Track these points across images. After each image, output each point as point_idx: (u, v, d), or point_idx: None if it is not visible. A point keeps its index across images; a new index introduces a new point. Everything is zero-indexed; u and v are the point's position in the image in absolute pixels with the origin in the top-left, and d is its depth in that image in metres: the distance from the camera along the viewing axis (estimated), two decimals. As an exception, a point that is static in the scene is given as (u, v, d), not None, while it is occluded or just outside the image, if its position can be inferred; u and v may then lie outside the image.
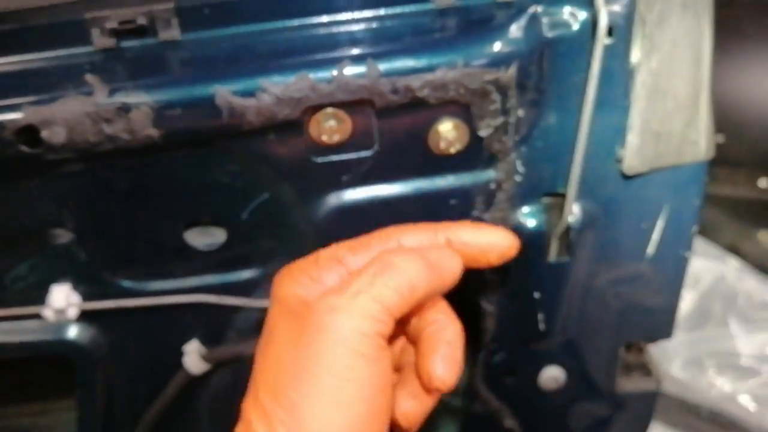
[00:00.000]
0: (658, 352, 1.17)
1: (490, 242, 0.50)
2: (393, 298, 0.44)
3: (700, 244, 1.22)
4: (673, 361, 1.18)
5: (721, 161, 1.23)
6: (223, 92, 0.48)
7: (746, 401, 1.13)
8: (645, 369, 0.69)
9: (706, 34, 0.53)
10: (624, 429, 0.70)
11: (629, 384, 0.68)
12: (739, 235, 1.29)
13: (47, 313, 0.58)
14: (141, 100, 0.47)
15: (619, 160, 0.56)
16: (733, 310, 1.20)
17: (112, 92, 0.47)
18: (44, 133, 0.47)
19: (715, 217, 1.28)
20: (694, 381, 1.17)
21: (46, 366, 0.82)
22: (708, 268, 1.24)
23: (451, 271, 0.48)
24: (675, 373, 1.17)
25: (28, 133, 0.47)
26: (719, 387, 1.16)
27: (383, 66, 0.48)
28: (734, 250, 1.26)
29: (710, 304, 1.22)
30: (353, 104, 0.50)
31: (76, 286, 0.58)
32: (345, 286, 0.45)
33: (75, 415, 0.65)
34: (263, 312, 0.59)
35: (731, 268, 1.22)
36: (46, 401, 0.83)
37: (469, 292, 0.60)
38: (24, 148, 0.48)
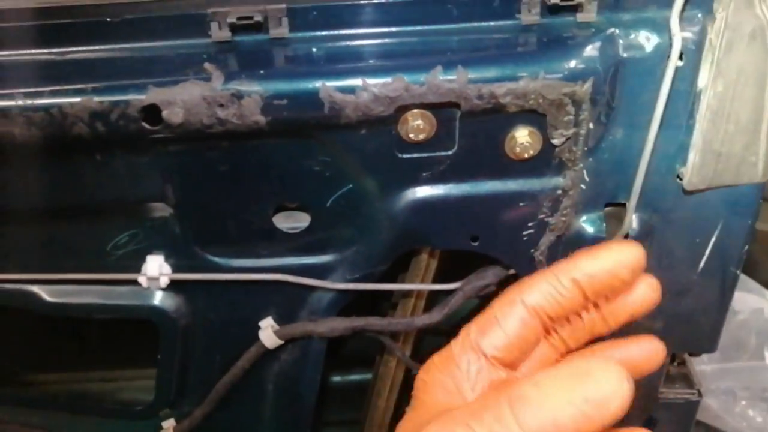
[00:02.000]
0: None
1: (614, 262, 0.46)
2: None
3: (740, 278, 1.24)
4: (707, 389, 1.19)
5: (763, 198, 1.26)
6: (327, 87, 0.53)
7: (778, 435, 1.14)
8: (687, 380, 0.72)
9: (771, 63, 0.57)
10: (665, 436, 0.73)
11: (671, 393, 0.71)
12: (779, 273, 1.31)
13: (141, 280, 0.64)
14: (253, 88, 0.53)
15: (679, 177, 0.60)
16: (768, 344, 1.21)
17: (227, 80, 0.53)
18: (165, 113, 0.53)
19: (755, 252, 1.30)
20: (726, 411, 1.18)
21: (115, 335, 0.88)
22: (746, 300, 1.25)
23: (611, 392, 0.38)
24: (708, 401, 1.19)
25: (151, 111, 0.53)
26: (751, 419, 1.17)
27: (472, 73, 0.53)
28: (773, 287, 1.27)
29: (746, 337, 1.23)
30: (441, 106, 0.55)
31: (168, 258, 0.64)
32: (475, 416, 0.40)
33: (154, 377, 0.71)
34: (335, 293, 0.65)
35: (769, 302, 1.23)
36: (113, 370, 0.88)
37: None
38: (145, 125, 0.53)
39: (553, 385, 0.41)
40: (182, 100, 0.53)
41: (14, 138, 0.53)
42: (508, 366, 0.48)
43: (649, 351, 0.50)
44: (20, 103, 0.52)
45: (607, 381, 0.40)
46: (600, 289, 0.46)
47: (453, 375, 0.47)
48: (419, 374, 0.48)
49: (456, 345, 0.48)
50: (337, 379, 0.89)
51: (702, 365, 1.20)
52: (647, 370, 0.50)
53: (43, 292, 0.65)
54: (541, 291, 0.47)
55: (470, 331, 0.48)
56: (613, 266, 0.46)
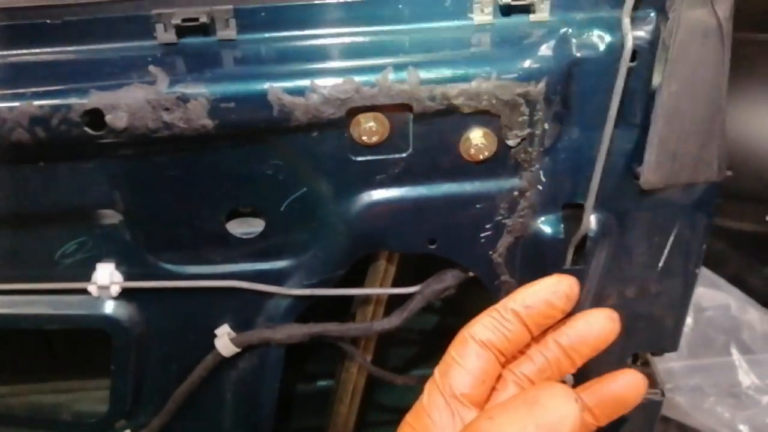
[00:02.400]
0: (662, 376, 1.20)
1: (549, 292, 0.51)
2: None
3: (706, 274, 1.25)
4: (675, 386, 1.20)
5: (730, 195, 1.27)
6: (275, 89, 0.52)
7: (746, 430, 1.15)
8: (650, 379, 0.72)
9: (725, 63, 0.57)
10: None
11: (634, 393, 0.71)
12: (746, 269, 1.32)
13: (91, 289, 0.62)
14: (199, 91, 0.51)
15: (636, 176, 0.59)
16: (735, 341, 1.22)
17: (172, 83, 0.51)
18: (108, 117, 0.51)
19: (722, 249, 1.31)
20: (695, 408, 1.19)
21: (70, 344, 0.86)
22: (713, 297, 1.26)
23: (560, 415, 0.43)
24: (677, 398, 1.19)
25: (93, 116, 0.51)
26: (719, 414, 1.18)
27: (423, 74, 0.52)
28: (739, 282, 1.29)
29: (714, 333, 1.24)
30: (393, 108, 0.54)
31: (119, 266, 0.62)
32: None
33: (108, 388, 0.69)
34: (293, 299, 0.63)
35: (735, 299, 1.24)
36: (70, 379, 0.86)
37: (482, 297, 0.63)
38: (88, 130, 0.52)
39: (505, 416, 0.43)
40: (126, 104, 0.51)
41: (-50, 144, 0.51)
42: (476, 404, 0.49)
43: (628, 384, 0.53)
44: None
45: (555, 405, 0.42)
46: (538, 318, 0.50)
47: (426, 428, 0.48)
48: None
49: (424, 398, 0.50)
50: (300, 386, 0.88)
51: (670, 362, 1.21)
52: (631, 402, 0.53)
53: (-11, 304, 0.63)
54: (486, 325, 0.51)
55: (435, 379, 0.50)
56: (548, 296, 0.51)
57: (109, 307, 0.64)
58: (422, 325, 0.89)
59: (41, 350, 0.86)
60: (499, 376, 0.52)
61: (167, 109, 0.51)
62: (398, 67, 0.52)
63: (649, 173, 0.58)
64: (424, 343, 0.88)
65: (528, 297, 0.51)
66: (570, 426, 0.42)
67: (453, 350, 0.51)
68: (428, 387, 0.51)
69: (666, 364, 1.21)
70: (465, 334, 0.51)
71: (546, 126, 0.56)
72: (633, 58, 0.55)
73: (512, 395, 0.46)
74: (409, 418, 0.51)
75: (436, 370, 0.52)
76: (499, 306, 0.52)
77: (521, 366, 0.54)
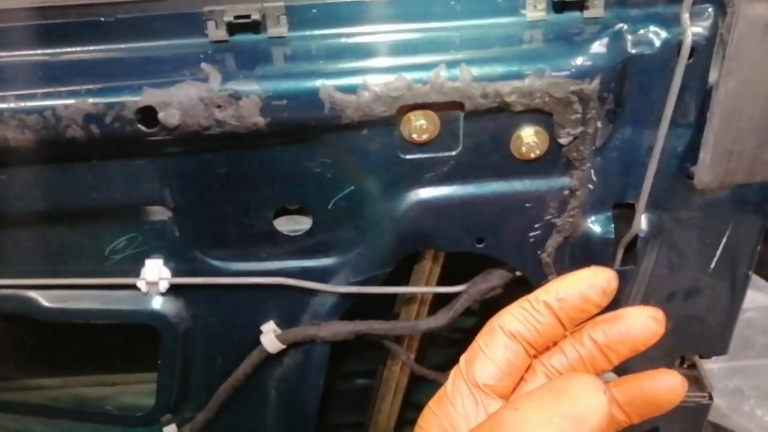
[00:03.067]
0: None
1: (585, 285, 0.47)
2: None
3: (748, 274, 1.22)
4: (714, 388, 1.18)
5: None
6: (327, 87, 0.51)
7: (786, 433, 1.13)
8: (698, 383, 0.71)
9: (784, 60, 0.55)
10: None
11: (682, 396, 0.70)
12: (787, 271, 1.29)
13: (140, 284, 0.62)
14: (251, 89, 0.51)
15: (690, 176, 0.58)
16: (775, 343, 1.20)
17: (224, 80, 0.52)
18: (161, 115, 0.52)
19: (761, 250, 1.29)
20: (734, 410, 1.17)
21: (114, 339, 0.87)
22: (753, 298, 1.24)
23: (588, 406, 0.40)
24: (716, 400, 1.17)
25: (147, 113, 0.52)
26: (759, 417, 1.16)
27: (476, 71, 0.52)
28: (780, 285, 1.26)
29: (753, 335, 1.22)
30: (444, 106, 0.53)
31: (168, 262, 0.63)
32: None
33: (152, 383, 0.69)
34: (338, 297, 0.63)
35: (777, 301, 1.22)
36: (114, 373, 0.87)
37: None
38: (141, 127, 0.52)
39: (531, 407, 0.41)
40: (179, 102, 0.51)
41: (7, 142, 0.52)
42: (501, 396, 0.48)
43: (667, 385, 0.49)
44: (12, 105, 0.51)
45: (584, 395, 0.40)
46: (571, 311, 0.47)
47: (448, 416, 0.47)
48: (418, 423, 0.48)
49: (448, 385, 0.48)
50: (340, 383, 0.88)
51: (710, 364, 1.19)
52: (667, 404, 0.49)
53: (42, 298, 0.64)
54: (517, 316, 0.48)
55: (460, 366, 0.48)
56: (584, 289, 0.47)
57: (157, 303, 0.64)
58: (461, 324, 0.88)
59: (88, 344, 0.87)
60: (529, 366, 0.51)
61: (219, 107, 0.52)
62: (450, 65, 0.52)
63: (703, 173, 0.57)
64: (464, 343, 0.87)
65: (562, 289, 0.48)
66: (598, 419, 0.40)
67: (481, 339, 0.49)
68: (453, 374, 0.49)
69: (707, 365, 1.18)
70: (494, 324, 0.49)
71: (598, 124, 0.56)
72: (690, 55, 0.54)
73: (539, 385, 0.45)
74: (431, 404, 0.49)
75: (463, 358, 0.49)
76: (531, 297, 0.48)
77: (552, 358, 0.50)
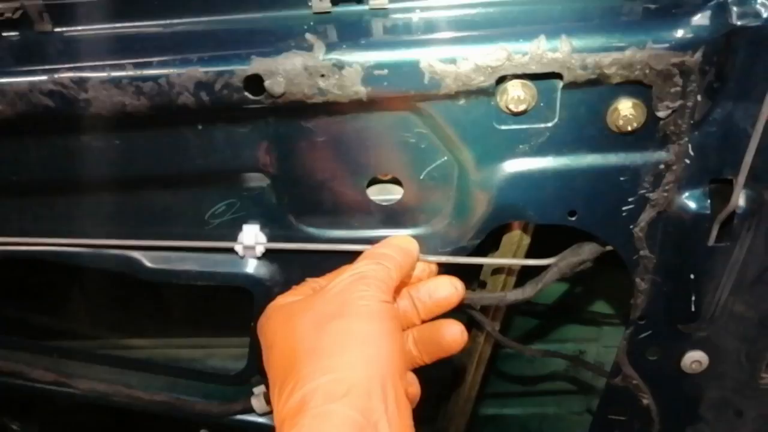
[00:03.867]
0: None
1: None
2: (392, 274, 0.57)
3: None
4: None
5: None
6: (428, 57, 0.52)
7: None
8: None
9: None
10: (762, 423, 0.70)
11: (775, 379, 0.68)
12: None
13: (237, 248, 0.65)
14: (354, 59, 0.53)
15: (792, 152, 0.57)
16: None
17: (328, 50, 0.53)
18: (267, 83, 0.54)
19: None
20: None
21: (206, 304, 0.91)
22: None
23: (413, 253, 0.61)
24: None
25: (254, 81, 0.54)
26: None
27: (576, 42, 0.52)
28: None
29: None
30: (542, 77, 0.54)
31: (264, 227, 0.65)
32: (353, 267, 0.58)
33: (242, 347, 0.72)
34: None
35: None
36: (205, 336, 0.91)
37: (624, 269, 0.63)
38: (248, 95, 0.54)
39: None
40: (284, 70, 0.53)
41: (124, 107, 0.55)
42: None
43: (449, 332, 0.60)
44: (130, 73, 0.54)
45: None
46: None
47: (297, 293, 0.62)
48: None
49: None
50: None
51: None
52: (449, 348, 0.61)
53: (145, 259, 0.67)
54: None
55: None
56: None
57: (253, 267, 0.67)
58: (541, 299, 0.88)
59: (180, 309, 0.92)
60: None
61: (323, 76, 0.53)
62: (550, 35, 0.52)
63: (808, 148, 0.56)
64: (537, 315, 0.88)
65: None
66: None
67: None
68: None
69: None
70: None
71: (699, 98, 0.55)
72: (798, 26, 0.52)
73: None
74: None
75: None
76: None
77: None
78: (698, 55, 0.52)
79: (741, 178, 0.57)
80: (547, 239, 0.66)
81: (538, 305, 0.85)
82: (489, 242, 0.68)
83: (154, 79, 0.54)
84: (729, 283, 0.62)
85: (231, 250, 0.66)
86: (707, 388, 0.69)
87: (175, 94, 0.54)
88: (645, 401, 0.69)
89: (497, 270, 0.69)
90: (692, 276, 0.61)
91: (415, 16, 0.55)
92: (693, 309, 0.63)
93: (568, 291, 0.86)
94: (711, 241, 0.60)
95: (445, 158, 0.60)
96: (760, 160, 0.57)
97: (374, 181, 0.63)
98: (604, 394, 0.70)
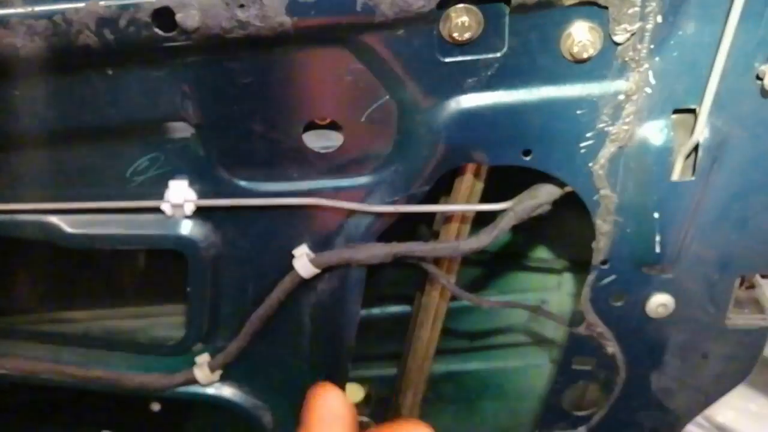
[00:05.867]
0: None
1: None
2: None
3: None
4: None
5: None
6: (359, -20, 0.47)
7: None
8: (757, 305, 0.66)
9: None
10: (730, 364, 0.68)
11: (740, 319, 0.66)
12: None
13: (164, 207, 0.59)
14: (276, -15, 0.47)
15: (758, 77, 0.53)
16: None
17: None
18: (179, 16, 0.47)
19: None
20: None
21: (146, 270, 0.85)
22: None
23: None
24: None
25: (163, 15, 0.47)
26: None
27: (524, -42, 0.47)
28: None
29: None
30: (488, 0, 0.48)
31: (193, 183, 0.59)
32: None
33: (184, 311, 0.67)
34: (374, 218, 0.60)
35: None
36: (145, 305, 0.85)
37: (584, 210, 0.59)
38: (158, 31, 0.48)
39: None
40: (198, 2, 0.47)
41: (16, 50, 0.48)
42: None
43: None
44: (20, 10, 0.47)
45: None
46: None
47: None
48: None
49: None
50: (375, 311, 0.85)
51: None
52: None
53: (63, 223, 0.61)
54: None
55: None
56: None
57: (184, 227, 0.61)
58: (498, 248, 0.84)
59: (119, 276, 0.86)
60: None
61: (242, 6, 0.47)
62: (495, -48, 0.47)
63: (775, 72, 0.52)
64: (492, 265, 0.84)
65: None
66: None
67: None
68: None
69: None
70: None
71: (659, 19, 0.50)
72: (763, -64, 0.48)
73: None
74: None
75: None
76: None
77: None
78: (658, -29, 0.47)
79: (705, 107, 0.53)
80: (504, 182, 0.62)
81: (495, 254, 0.81)
82: (442, 188, 0.64)
83: (48, 16, 0.47)
84: (694, 221, 0.58)
85: (158, 210, 0.60)
86: (673, 332, 0.66)
87: (74, 34, 0.48)
88: (610, 349, 0.66)
89: (450, 219, 0.64)
90: (656, 215, 0.58)
91: (345, -64, 0.49)
92: (657, 250, 0.59)
93: (526, 238, 0.82)
94: (675, 176, 0.56)
95: (387, 97, 0.54)
96: (725, 87, 0.53)
97: (311, 126, 0.57)
98: (567, 344, 0.67)
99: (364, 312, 0.83)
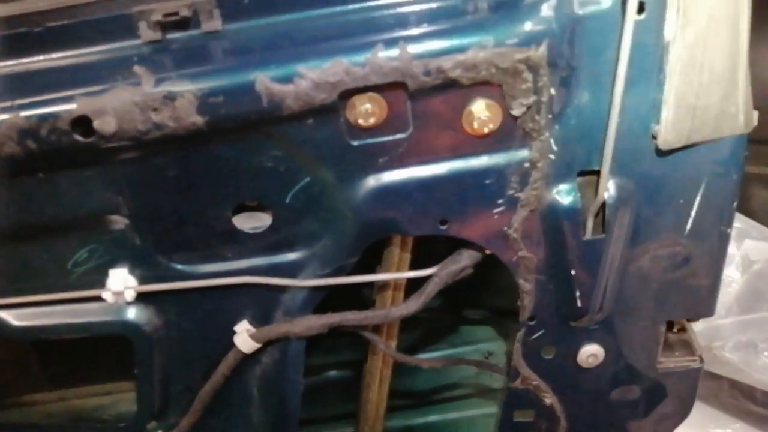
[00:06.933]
0: (710, 334, 1.15)
1: None
2: None
3: (752, 225, 1.19)
4: (726, 343, 1.15)
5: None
6: (262, 79, 0.50)
7: (803, 384, 1.11)
8: (688, 347, 0.69)
9: (744, 5, 0.53)
10: (667, 407, 0.70)
11: (671, 362, 0.68)
12: (794, 217, 1.26)
13: (106, 295, 0.61)
14: (185, 88, 0.50)
15: (654, 136, 0.56)
16: (788, 293, 1.16)
17: (158, 82, 0.50)
18: (96, 123, 0.50)
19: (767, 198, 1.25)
20: (747, 363, 1.15)
21: (108, 349, 0.86)
22: (761, 249, 1.21)
23: None
24: (727, 355, 1.15)
25: (82, 123, 0.50)
26: (775, 370, 1.13)
27: (414, 48, 0.50)
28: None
29: (764, 287, 1.19)
30: (387, 87, 0.51)
31: (133, 270, 0.62)
32: None
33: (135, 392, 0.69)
34: (308, 291, 0.62)
35: (786, 250, 1.19)
36: (109, 382, 0.87)
37: (507, 271, 0.61)
38: (78, 138, 0.51)
39: None
40: (113, 108, 0.50)
41: (-54, 164, 0.51)
42: None
43: None
44: None
45: None
46: None
47: None
48: None
49: None
50: (333, 373, 0.87)
51: (719, 320, 1.17)
52: None
53: (11, 317, 0.63)
54: None
55: None
56: None
57: (126, 312, 0.63)
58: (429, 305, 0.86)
59: (84, 356, 0.87)
60: None
61: (155, 110, 0.50)
62: (388, 44, 0.50)
63: (667, 132, 0.55)
64: (434, 323, 0.86)
65: None
66: None
67: None
68: None
69: (715, 321, 1.16)
70: None
71: (552, 91, 0.53)
72: (641, 10, 0.51)
73: None
74: None
75: None
76: None
77: None
78: (543, 49, 0.51)
79: (605, 168, 0.56)
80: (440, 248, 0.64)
81: (441, 309, 0.83)
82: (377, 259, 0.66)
83: None
84: (611, 274, 0.61)
85: (101, 298, 0.62)
86: (608, 380, 0.68)
87: (-1, 146, 0.51)
88: (548, 400, 0.68)
89: (383, 286, 0.67)
90: (573, 272, 0.60)
91: (250, 36, 0.52)
92: (580, 304, 0.62)
93: (476, 291, 0.84)
94: (587, 235, 0.59)
95: (308, 179, 0.57)
96: (624, 148, 0.56)
97: (241, 209, 0.60)
98: (507, 398, 0.69)
99: (321, 376, 0.86)
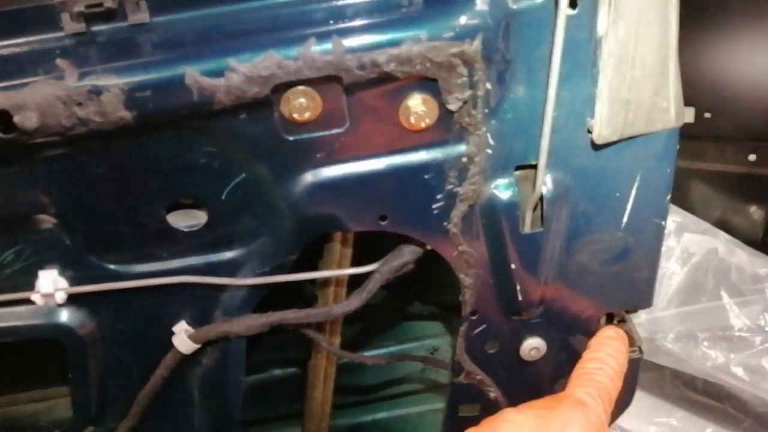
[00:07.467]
0: (652, 326, 1.18)
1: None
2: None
3: (691, 219, 1.22)
4: (668, 334, 1.18)
5: (710, 137, 1.23)
6: (192, 72, 0.49)
7: (740, 372, 1.14)
8: (629, 338, 0.69)
9: (673, 1, 0.54)
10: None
11: (612, 353, 0.68)
12: (730, 210, 1.30)
13: (35, 297, 0.59)
14: (111, 82, 0.48)
15: (589, 130, 0.56)
16: (725, 284, 1.20)
17: (82, 76, 0.48)
18: (16, 118, 0.48)
19: (705, 192, 1.29)
20: (688, 354, 1.17)
21: (43, 352, 0.83)
22: (700, 242, 1.24)
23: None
24: (669, 346, 1.18)
25: (2, 118, 0.48)
26: (713, 359, 1.17)
27: (348, 42, 0.49)
28: (725, 224, 1.26)
29: (702, 278, 1.22)
30: (322, 81, 0.51)
31: (63, 271, 0.59)
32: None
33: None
34: (248, 290, 0.61)
35: (722, 242, 1.22)
36: (45, 387, 0.84)
37: (447, 266, 0.61)
38: None
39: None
40: (35, 103, 0.48)
41: None
42: None
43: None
44: None
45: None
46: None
47: None
48: None
49: None
50: (278, 372, 0.86)
51: (661, 312, 1.19)
52: None
53: (-65, 324, 0.60)
54: None
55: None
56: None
57: (58, 315, 0.61)
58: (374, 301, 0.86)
59: (18, 361, 0.84)
60: None
61: (80, 104, 0.48)
62: (321, 37, 0.49)
63: (601, 126, 0.56)
64: (380, 319, 0.86)
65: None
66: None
67: None
68: None
69: (657, 313, 1.19)
70: None
71: (488, 86, 0.53)
72: (573, 5, 0.51)
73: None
74: None
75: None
76: None
77: None
78: (477, 43, 0.51)
79: (542, 162, 0.56)
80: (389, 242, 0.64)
81: (385, 306, 0.83)
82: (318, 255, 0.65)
83: None
84: (551, 267, 0.61)
85: (30, 301, 0.60)
86: (551, 373, 0.68)
87: None
88: (492, 394, 0.68)
89: (325, 283, 0.66)
90: (513, 266, 0.60)
91: (179, 29, 0.51)
92: (520, 298, 0.62)
93: (423, 287, 0.84)
94: (525, 229, 0.59)
95: (244, 175, 0.56)
96: (560, 142, 0.56)
97: (175, 206, 0.59)
98: (451, 393, 0.69)
99: (266, 374, 0.85)
